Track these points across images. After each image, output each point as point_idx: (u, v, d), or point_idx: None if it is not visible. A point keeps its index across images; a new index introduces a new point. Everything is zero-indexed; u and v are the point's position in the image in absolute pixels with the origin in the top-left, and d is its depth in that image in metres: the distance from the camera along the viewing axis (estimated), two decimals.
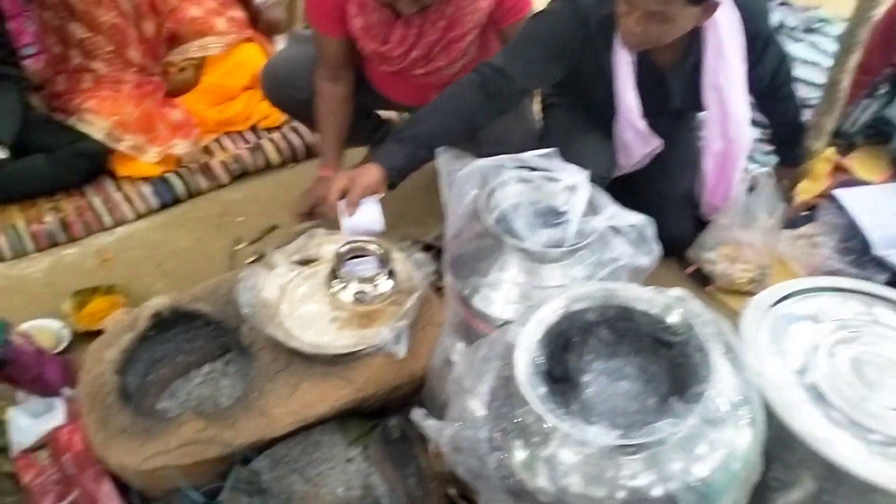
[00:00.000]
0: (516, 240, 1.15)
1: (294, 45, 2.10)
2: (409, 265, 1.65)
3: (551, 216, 1.21)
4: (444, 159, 1.25)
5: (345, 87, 1.95)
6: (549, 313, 0.88)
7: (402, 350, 1.49)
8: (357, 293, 1.54)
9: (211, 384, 1.67)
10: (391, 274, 1.57)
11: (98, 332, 1.77)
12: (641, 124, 1.79)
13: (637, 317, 0.87)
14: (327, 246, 1.69)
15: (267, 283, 1.61)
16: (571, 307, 0.89)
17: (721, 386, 0.79)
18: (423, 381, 1.55)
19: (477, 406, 0.89)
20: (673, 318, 0.84)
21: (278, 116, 2.50)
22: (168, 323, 1.60)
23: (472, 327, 1.24)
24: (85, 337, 1.80)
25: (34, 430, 1.44)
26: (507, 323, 1.18)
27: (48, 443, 1.42)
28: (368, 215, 1.65)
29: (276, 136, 2.47)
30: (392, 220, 2.16)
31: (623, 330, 0.90)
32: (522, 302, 1.19)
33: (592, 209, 1.19)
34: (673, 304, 0.85)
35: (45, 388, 1.50)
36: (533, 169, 1.22)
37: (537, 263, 1.18)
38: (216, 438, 1.34)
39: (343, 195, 1.62)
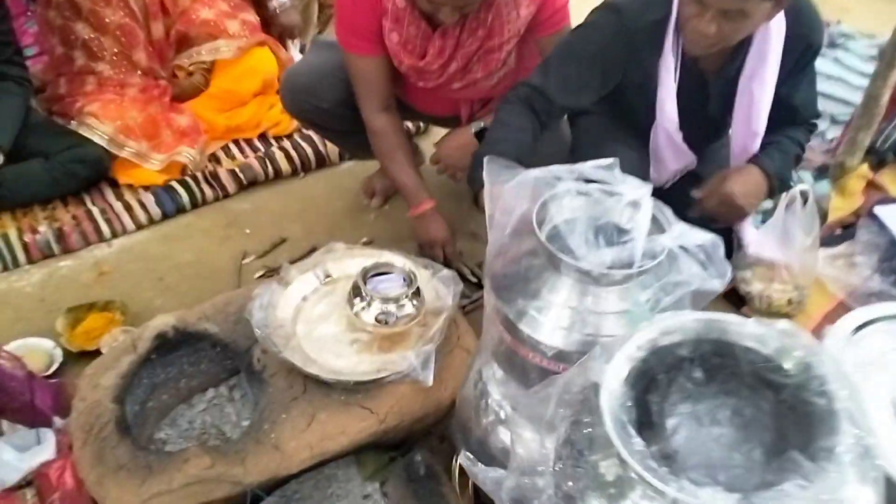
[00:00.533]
0: (572, 259, 1.02)
1: (317, 52, 1.97)
2: (436, 283, 1.51)
3: (611, 234, 1.08)
4: (490, 169, 1.12)
5: (396, 113, 1.84)
6: (635, 348, 0.74)
7: (429, 377, 1.35)
8: (380, 314, 1.40)
9: (215, 411, 1.53)
10: (417, 293, 1.43)
11: (93, 353, 1.64)
12: (678, 137, 1.67)
13: (738, 353, 0.73)
14: (347, 261, 1.56)
15: (281, 301, 1.47)
16: (660, 341, 0.75)
17: (847, 438, 0.65)
18: (450, 409, 1.42)
19: (544, 454, 0.75)
20: (788, 357, 0.71)
21: (289, 124, 2.39)
22: (172, 344, 1.46)
23: (517, 353, 1.10)
24: (78, 358, 1.66)
25: (20, 466, 1.29)
26: (559, 352, 1.05)
27: (35, 480, 1.27)
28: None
29: (286, 144, 2.34)
30: (407, 235, 2.06)
31: (716, 367, 0.76)
32: (575, 328, 1.05)
33: (657, 226, 1.06)
34: (786, 341, 0.72)
35: (34, 418, 1.35)
36: (589, 181, 1.09)
37: (594, 286, 1.04)
38: (224, 476, 1.20)
39: None
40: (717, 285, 1.04)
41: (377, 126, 1.79)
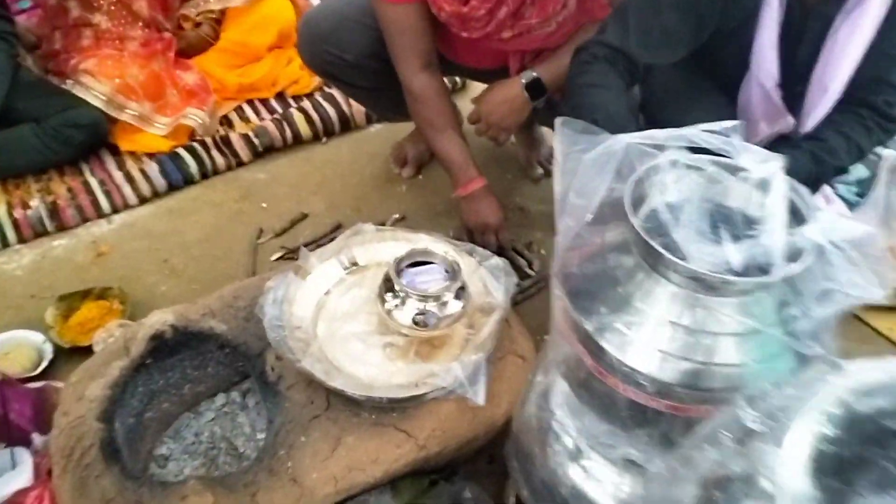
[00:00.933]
0: (679, 258, 0.75)
1: None
2: (484, 275, 1.26)
3: (733, 224, 0.81)
4: (565, 135, 0.85)
5: (439, 72, 1.57)
6: (820, 419, 0.48)
7: (479, 394, 1.11)
8: (417, 314, 1.15)
9: (226, 420, 1.30)
10: (462, 288, 1.18)
11: (88, 349, 1.43)
12: (776, 94, 1.37)
13: None
14: (376, 246, 1.31)
15: (299, 295, 1.23)
16: (857, 405, 0.49)
17: None
18: (504, 428, 1.18)
19: None
20: None
21: (310, 81, 2.14)
22: (171, 346, 1.23)
23: (597, 379, 0.85)
24: (72, 354, 1.45)
25: None
26: (655, 382, 0.79)
27: None
28: None
29: (306, 104, 2.08)
30: (444, 210, 1.81)
31: None
32: (679, 352, 0.79)
33: (796, 216, 0.78)
34: None
35: (9, 435, 1.14)
36: (698, 151, 0.82)
37: (707, 295, 0.78)
38: None
39: None
40: (878, 294, 0.77)
41: (418, 88, 1.52)
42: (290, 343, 1.14)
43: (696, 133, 0.81)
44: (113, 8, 2.02)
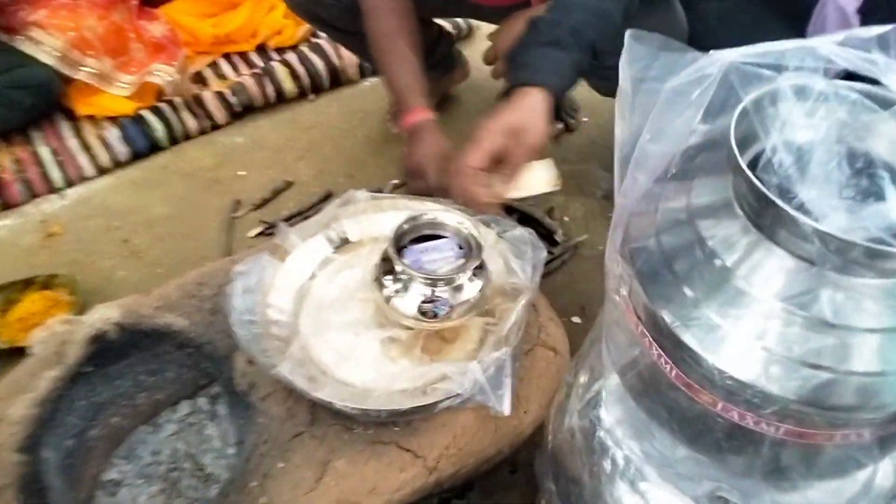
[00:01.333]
0: (809, 219, 0.51)
1: None
2: (505, 250, 1.01)
3: (872, 175, 0.56)
4: (636, 54, 0.60)
5: None
6: None
7: (505, 402, 0.86)
8: (425, 301, 0.90)
9: (191, 433, 1.07)
10: (480, 268, 0.93)
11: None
12: (855, 20, 1.13)
13: None
14: (372, 217, 1.06)
15: (277, 282, 0.98)
16: None
17: None
18: (532, 438, 0.95)
19: None
20: None
21: (294, 31, 1.90)
22: (117, 348, 0.99)
23: (675, 388, 0.60)
24: (11, 355, 1.20)
25: None
26: (767, 397, 0.55)
27: None
28: (541, 172, 1.11)
29: (291, 57, 1.83)
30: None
31: None
32: (799, 355, 0.55)
33: None
34: None
35: None
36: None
37: (849, 275, 0.53)
38: None
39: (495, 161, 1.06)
40: None
41: (373, 2, 1.30)
42: (265, 343, 0.90)
43: (828, 46, 0.55)
44: None
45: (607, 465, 0.75)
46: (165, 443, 1.06)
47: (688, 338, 0.56)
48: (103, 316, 0.97)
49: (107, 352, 0.98)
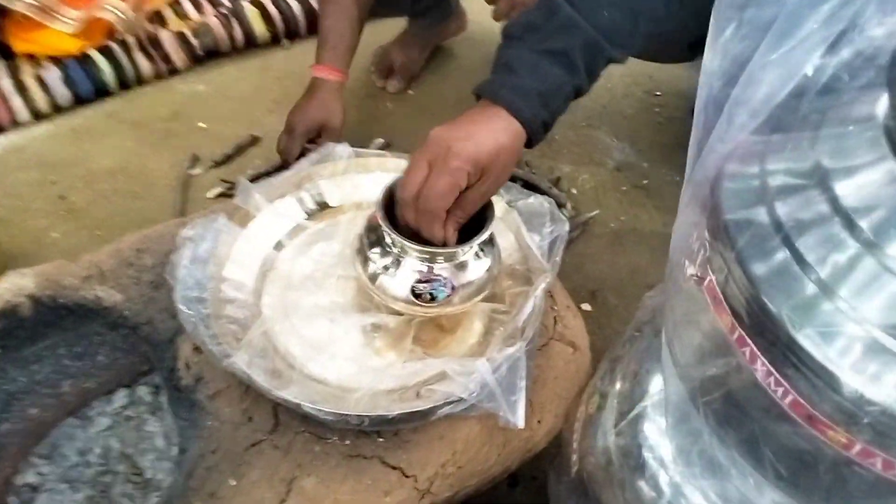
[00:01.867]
0: None
1: None
2: (518, 223, 0.83)
3: None
4: None
5: None
6: None
7: (518, 410, 0.69)
8: (420, 280, 0.72)
9: (128, 428, 0.89)
10: (489, 244, 0.75)
11: None
12: None
13: None
14: (356, 179, 0.88)
15: (235, 251, 0.80)
16: None
17: None
18: (544, 452, 0.78)
19: None
20: None
21: None
22: (32, 327, 0.79)
23: (788, 418, 0.43)
24: None
25: None
26: None
27: None
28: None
29: None
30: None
31: None
32: None
33: None
34: None
35: None
36: None
37: None
38: None
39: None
40: None
41: None
42: (217, 326, 0.71)
43: None
44: None
45: (644, 485, 0.58)
46: (96, 440, 0.87)
47: (818, 350, 0.39)
48: (14, 286, 0.77)
49: (18, 330, 0.78)
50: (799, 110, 0.43)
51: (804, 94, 0.42)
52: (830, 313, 0.39)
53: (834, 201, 0.40)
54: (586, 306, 1.11)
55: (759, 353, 0.43)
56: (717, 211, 0.47)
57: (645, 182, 1.32)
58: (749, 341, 0.43)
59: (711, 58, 0.46)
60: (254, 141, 1.35)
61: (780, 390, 0.42)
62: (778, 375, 0.42)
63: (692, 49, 1.19)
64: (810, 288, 0.40)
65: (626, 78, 1.54)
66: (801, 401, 0.41)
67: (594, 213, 1.24)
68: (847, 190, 0.40)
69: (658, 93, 1.51)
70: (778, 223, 0.42)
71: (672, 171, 1.36)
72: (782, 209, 0.42)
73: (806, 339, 0.39)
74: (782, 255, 0.41)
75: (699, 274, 0.48)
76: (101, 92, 1.44)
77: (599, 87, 1.53)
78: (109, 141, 1.35)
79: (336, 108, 1.21)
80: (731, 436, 0.48)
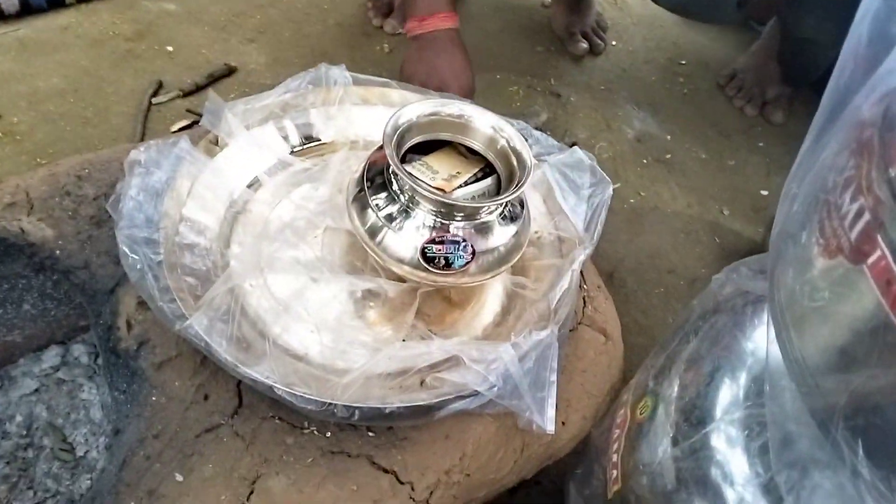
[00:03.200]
0: None
1: None
2: (550, 181, 0.69)
3: None
4: None
5: None
6: None
7: (547, 413, 0.55)
8: (435, 241, 0.57)
9: (58, 393, 0.75)
10: (520, 206, 0.61)
11: None
12: None
13: None
14: (354, 112, 0.72)
15: (199, 186, 0.64)
16: None
17: None
18: (566, 458, 0.65)
19: None
20: None
21: None
22: None
23: None
24: None
25: None
26: None
27: None
28: None
29: None
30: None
31: None
32: None
33: None
34: None
35: None
36: None
37: None
38: None
39: None
40: None
41: None
42: (170, 278, 0.56)
43: None
44: None
45: None
46: (19, 405, 0.72)
47: None
48: None
49: None
50: None
51: None
52: None
53: None
54: None
55: None
56: (880, 162, 0.33)
57: (668, 157, 1.19)
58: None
59: None
60: (229, 72, 1.18)
61: None
62: None
63: (740, 6, 1.05)
64: None
65: (648, 42, 1.40)
66: None
67: (614, 185, 1.10)
68: None
69: (682, 61, 1.37)
70: None
71: (696, 146, 1.22)
72: None
73: None
74: None
75: (857, 248, 0.34)
76: (56, 2, 1.25)
77: (619, 49, 1.40)
78: (60, 57, 1.16)
79: (467, 64, 0.99)
80: (885, 465, 0.35)
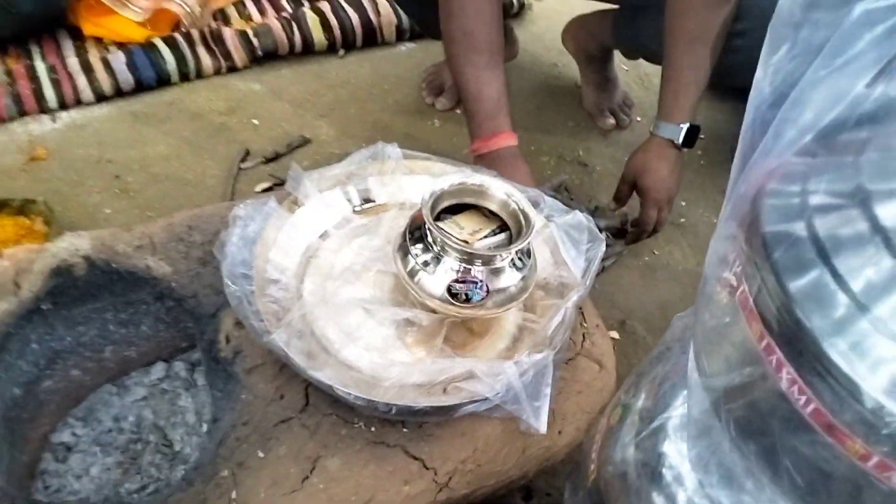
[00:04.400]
0: None
1: None
2: (556, 238, 0.86)
3: None
4: None
5: None
6: None
7: (541, 415, 0.71)
8: (457, 280, 0.74)
9: (162, 401, 0.92)
10: (527, 255, 0.78)
11: None
12: None
13: None
14: (403, 181, 0.91)
15: (283, 235, 0.83)
16: None
17: None
18: (564, 460, 0.79)
19: None
20: None
21: None
22: (84, 287, 0.83)
23: (809, 428, 0.45)
24: None
25: None
26: None
27: None
28: None
29: (325, 5, 1.66)
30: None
31: None
32: None
33: None
34: None
35: None
36: None
37: None
38: None
39: None
40: None
41: None
42: (259, 304, 0.74)
43: None
44: None
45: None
46: (131, 408, 0.90)
47: (844, 360, 0.41)
48: (71, 246, 0.81)
49: (71, 289, 0.82)
50: (844, 133, 0.45)
51: (851, 116, 0.44)
52: (861, 328, 0.41)
53: (874, 221, 0.42)
54: (614, 334, 1.12)
55: (785, 362, 0.44)
56: (756, 223, 0.49)
57: (682, 220, 1.34)
58: (777, 350, 0.45)
59: (763, 76, 0.49)
60: (304, 142, 1.39)
61: (803, 399, 0.43)
62: (802, 383, 0.43)
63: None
64: (845, 304, 0.42)
65: None
66: (823, 409, 0.42)
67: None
68: (889, 212, 0.42)
69: (701, 136, 1.53)
70: (815, 237, 0.44)
71: (709, 211, 1.37)
72: (821, 225, 0.44)
73: (833, 350, 0.41)
74: (817, 268, 0.43)
75: (733, 283, 0.50)
76: (163, 81, 1.49)
77: (644, 124, 1.57)
78: (166, 128, 1.40)
79: (529, 175, 1.11)
80: (750, 446, 0.50)
